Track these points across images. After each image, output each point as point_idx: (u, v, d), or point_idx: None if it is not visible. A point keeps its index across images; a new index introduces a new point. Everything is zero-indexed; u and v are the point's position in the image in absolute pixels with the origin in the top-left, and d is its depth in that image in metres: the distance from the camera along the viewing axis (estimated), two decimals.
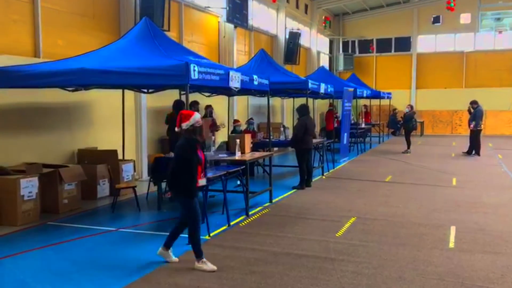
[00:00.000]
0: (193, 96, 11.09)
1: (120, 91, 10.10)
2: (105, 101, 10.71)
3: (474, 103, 16.70)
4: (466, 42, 27.99)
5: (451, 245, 6.48)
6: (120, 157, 10.14)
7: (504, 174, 12.80)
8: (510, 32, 23.19)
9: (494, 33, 23.18)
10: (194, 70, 6.31)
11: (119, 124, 10.44)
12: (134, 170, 10.54)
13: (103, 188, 9.78)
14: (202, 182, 5.71)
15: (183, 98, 8.77)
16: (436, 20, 28.12)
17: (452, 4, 22.12)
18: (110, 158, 9.74)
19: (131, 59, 6.93)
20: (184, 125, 5.42)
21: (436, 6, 27.55)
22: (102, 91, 9.80)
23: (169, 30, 11.94)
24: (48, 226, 7.67)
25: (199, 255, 5.48)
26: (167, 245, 5.71)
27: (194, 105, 10.65)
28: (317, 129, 22.66)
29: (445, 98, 27.94)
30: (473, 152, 16.73)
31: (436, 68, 28.60)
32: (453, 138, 24.37)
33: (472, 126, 16.44)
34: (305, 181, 10.78)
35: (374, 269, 5.49)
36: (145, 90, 10.18)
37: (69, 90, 8.82)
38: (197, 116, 5.48)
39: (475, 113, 16.48)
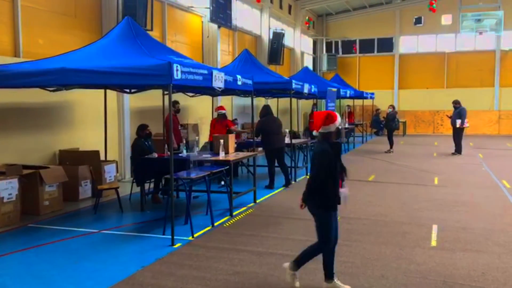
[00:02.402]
0: (176, 96, 11.04)
1: (102, 91, 9.99)
2: (87, 101, 10.59)
3: (456, 102, 16.91)
4: (447, 43, 28.39)
5: (433, 243, 6.55)
6: (102, 158, 10.04)
7: (485, 173, 12.99)
8: (490, 33, 23.55)
9: (475, 34, 23.50)
10: (177, 70, 6.27)
11: (101, 124, 10.33)
12: (117, 171, 10.44)
13: (85, 190, 9.66)
14: (344, 192, 4.93)
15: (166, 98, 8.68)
16: (418, 21, 28.47)
17: (435, 5, 22.40)
18: (92, 159, 9.64)
19: (113, 59, 6.85)
20: (327, 128, 4.74)
21: (418, 7, 27.89)
22: (84, 91, 9.69)
23: (152, 30, 11.86)
24: (29, 228, 7.54)
25: (297, 265, 4.90)
26: (330, 275, 4.91)
27: (174, 105, 10.61)
28: (301, 129, 22.76)
29: (427, 98, 28.31)
30: (454, 150, 16.94)
31: (418, 68, 28.94)
32: (435, 138, 24.67)
33: (458, 124, 16.61)
34: (273, 181, 10.87)
35: (357, 268, 5.52)
36: (128, 90, 10.09)
37: (49, 90, 8.69)
38: (339, 118, 4.86)
39: (460, 112, 16.68)
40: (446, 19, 27.56)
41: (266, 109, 11.13)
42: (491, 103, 27.47)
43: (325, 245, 4.79)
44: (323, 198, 4.75)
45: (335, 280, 4.89)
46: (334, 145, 4.81)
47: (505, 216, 8.07)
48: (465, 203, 9.14)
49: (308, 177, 4.88)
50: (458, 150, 16.88)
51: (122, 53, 7.08)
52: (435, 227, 7.30)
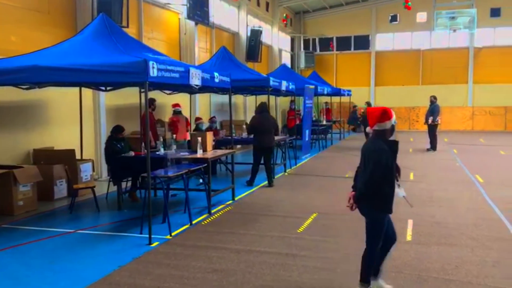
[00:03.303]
0: (153, 94, 10.95)
1: (77, 89, 9.84)
2: (61, 100, 10.41)
3: (434, 97, 17.18)
4: (422, 41, 28.85)
5: (409, 238, 6.66)
6: (78, 157, 9.89)
7: (459, 168, 13.26)
8: (464, 31, 24.01)
9: (449, 31, 23.92)
10: (153, 67, 6.21)
11: (76, 123, 10.18)
12: (93, 170, 10.30)
13: (61, 189, 9.52)
14: (401, 192, 4.76)
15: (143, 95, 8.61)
16: (394, 19, 28.89)
17: (410, 3, 22.71)
18: (67, 158, 9.50)
19: (87, 56, 6.76)
20: (383, 125, 4.51)
21: (393, 5, 28.26)
22: (59, 89, 9.52)
23: (127, 27, 11.71)
24: (3, 229, 7.39)
25: (366, 280, 4.65)
26: (375, 274, 4.77)
27: (152, 103, 10.56)
28: (279, 126, 22.82)
29: (403, 95, 28.74)
30: (429, 146, 17.24)
31: (394, 65, 29.34)
32: (411, 134, 25.05)
33: (430, 121, 16.92)
34: (253, 179, 10.85)
35: (334, 264, 5.59)
36: (103, 88, 9.95)
37: (23, 88, 8.51)
38: (394, 115, 4.62)
39: (433, 109, 16.98)
40: (421, 17, 28.03)
41: (261, 107, 11.06)
42: (465, 100, 28.06)
43: (376, 246, 4.59)
44: (379, 200, 4.49)
45: (379, 279, 4.76)
46: (392, 143, 4.53)
47: (478, 210, 8.26)
48: (439, 198, 9.32)
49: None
50: (432, 146, 17.18)
51: (96, 51, 6.98)
52: (410, 222, 7.42)
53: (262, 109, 11.02)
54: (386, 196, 4.49)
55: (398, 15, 28.57)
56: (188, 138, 10.73)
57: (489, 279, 5.09)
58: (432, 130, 17.15)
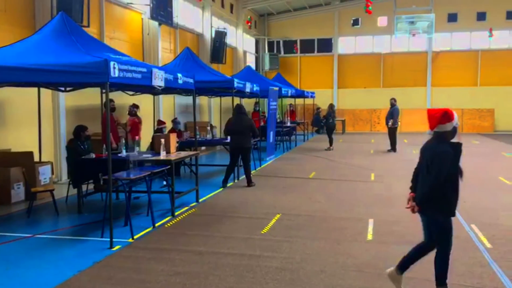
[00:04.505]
0: (114, 95, 10.78)
1: (36, 89, 9.55)
2: (19, 100, 10.09)
3: (394, 100, 17.61)
4: (383, 44, 29.57)
5: (370, 237, 6.81)
6: (36, 159, 9.61)
7: None
8: (422, 35, 24.76)
9: (409, 35, 24.62)
10: (114, 68, 6.11)
11: (35, 124, 9.87)
12: (52, 173, 10.03)
13: (18, 192, 9.23)
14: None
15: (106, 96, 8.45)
16: (356, 22, 29.53)
17: (371, 8, 23.22)
18: (25, 160, 9.22)
19: (46, 56, 6.57)
20: (444, 127, 4.42)
21: (355, 9, 28.85)
22: (16, 89, 9.18)
23: (88, 26, 11.47)
24: None
25: (441, 282, 4.64)
26: (402, 268, 4.80)
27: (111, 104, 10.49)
28: None
29: (364, 97, 29.37)
30: (390, 148, 17.65)
31: (356, 68, 29.93)
32: (372, 136, 25.59)
33: (390, 123, 17.33)
34: (226, 179, 10.90)
35: (297, 264, 5.64)
36: (63, 89, 9.69)
37: None
38: (457, 117, 4.52)
39: (393, 111, 17.41)
40: (381, 21, 28.78)
41: (237, 108, 11.17)
42: (424, 102, 28.93)
43: (448, 249, 4.58)
44: (443, 203, 4.45)
45: (403, 275, 4.79)
46: (456, 145, 4.44)
47: None
48: (399, 197, 9.54)
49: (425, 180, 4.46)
50: (393, 147, 17.60)
51: (55, 50, 6.80)
52: (371, 221, 7.59)
53: (239, 111, 11.11)
54: (450, 199, 4.46)
55: (360, 19, 29.24)
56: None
57: None
58: (392, 132, 17.58)
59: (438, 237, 4.57)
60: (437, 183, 4.34)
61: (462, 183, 4.54)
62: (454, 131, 4.46)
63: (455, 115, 4.46)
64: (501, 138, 23.41)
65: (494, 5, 27.71)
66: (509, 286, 4.96)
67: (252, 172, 12.80)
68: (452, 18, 28.40)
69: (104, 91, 8.81)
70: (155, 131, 11.91)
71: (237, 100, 17.48)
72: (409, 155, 16.86)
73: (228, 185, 11.05)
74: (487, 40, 27.97)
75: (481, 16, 28.07)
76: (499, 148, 18.89)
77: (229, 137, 11.61)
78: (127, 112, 12.05)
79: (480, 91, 28.29)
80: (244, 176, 11.12)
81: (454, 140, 4.50)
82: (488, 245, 6.32)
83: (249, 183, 10.92)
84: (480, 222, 7.40)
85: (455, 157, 4.39)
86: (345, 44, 30.34)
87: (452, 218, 4.59)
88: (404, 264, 4.77)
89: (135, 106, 11.93)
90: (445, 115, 4.40)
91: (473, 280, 5.13)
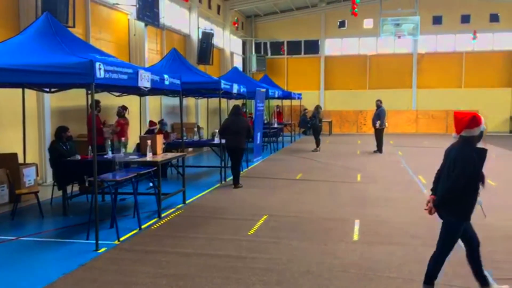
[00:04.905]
0: (101, 96, 10.71)
1: (20, 90, 9.43)
2: (2, 101, 9.96)
3: (380, 101, 17.74)
4: (369, 46, 29.80)
5: (355, 237, 6.85)
6: (21, 160, 9.49)
7: (404, 169, 13.77)
8: (408, 37, 25.03)
9: (394, 37, 24.87)
10: (99, 69, 6.07)
11: (19, 125, 9.75)
12: (37, 175, 9.92)
13: (2, 195, 9.08)
14: (480, 201, 4.58)
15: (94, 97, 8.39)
16: (342, 24, 29.74)
17: (357, 10, 23.40)
18: (9, 162, 9.09)
19: (30, 56, 6.50)
20: (471, 131, 4.41)
21: (341, 11, 29.05)
22: None
23: (73, 27, 11.37)
24: None
25: (429, 281, 4.67)
26: (481, 279, 4.68)
27: (97, 105, 10.43)
28: None
29: (350, 98, 29.57)
30: (376, 149, 17.78)
31: (342, 70, 30.12)
32: (358, 137, 25.76)
33: (378, 125, 17.46)
34: (237, 178, 11.01)
35: (283, 265, 5.65)
36: (47, 89, 9.61)
37: None
38: (484, 121, 4.49)
39: (379, 113, 17.53)
40: (367, 23, 29.04)
41: (234, 109, 11.33)
42: (409, 104, 29.22)
43: (447, 251, 4.56)
44: (460, 207, 4.43)
45: (492, 283, 4.68)
46: (481, 151, 4.41)
47: (421, 210, 8.46)
48: (384, 198, 9.64)
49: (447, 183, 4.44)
50: (379, 148, 17.74)
51: (40, 51, 6.73)
52: (357, 222, 7.63)
53: (235, 112, 11.26)
54: (467, 204, 4.45)
55: (346, 21, 29.45)
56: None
57: None
58: (379, 134, 17.71)
59: (443, 237, 4.56)
60: (456, 186, 4.35)
61: (482, 189, 4.55)
62: (480, 135, 4.45)
63: (483, 120, 4.45)
64: (485, 139, 23.67)
65: (478, 8, 28.11)
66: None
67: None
68: (437, 20, 28.74)
69: (89, 92, 8.75)
70: (146, 132, 11.92)
71: (224, 102, 17.48)
72: (395, 156, 17.02)
73: (216, 186, 11.05)
74: (471, 42, 28.36)
75: (465, 19, 28.45)
76: None
77: (217, 138, 11.65)
78: (116, 113, 12.00)
79: (464, 93, 28.66)
80: (232, 177, 11.14)
81: (480, 145, 4.51)
82: None
83: (237, 184, 10.93)
84: None
85: (479, 162, 4.39)
86: (332, 46, 30.52)
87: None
88: (479, 275, 4.68)
89: (124, 108, 11.89)
90: (473, 120, 4.38)
91: (457, 280, 5.19)
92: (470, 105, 28.02)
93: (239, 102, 21.58)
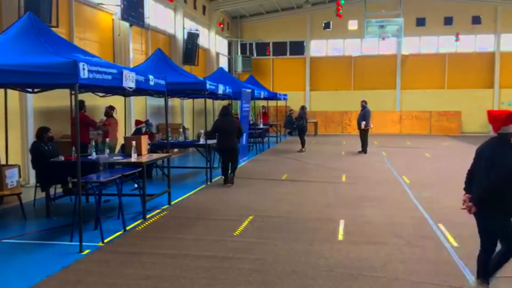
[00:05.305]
0: (83, 96, 10.61)
1: (2, 90, 9.30)
2: None
3: (365, 102, 17.87)
4: (354, 47, 30.03)
5: (341, 237, 6.90)
6: (3, 161, 9.34)
7: (388, 169, 13.90)
8: (392, 39, 25.28)
9: (378, 39, 25.10)
10: (83, 69, 6.02)
11: (1, 126, 9.61)
12: (20, 176, 9.76)
13: None
14: None
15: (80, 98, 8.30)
16: (327, 26, 29.94)
17: (341, 11, 23.55)
18: None
19: (12, 56, 6.40)
20: (507, 128, 4.51)
21: (326, 13, 29.21)
22: None
23: (57, 27, 11.23)
24: None
25: (485, 275, 4.66)
26: (486, 276, 4.69)
27: (83, 106, 10.38)
28: None
29: (336, 99, 29.76)
30: (361, 149, 17.91)
31: (327, 71, 30.30)
32: (343, 137, 25.92)
33: (363, 126, 17.58)
34: (225, 176, 11.24)
35: (269, 265, 5.67)
36: (30, 90, 9.48)
37: None
38: None
39: (364, 114, 17.66)
40: (352, 25, 29.27)
41: (224, 110, 11.66)
42: (393, 104, 29.52)
43: (491, 249, 4.59)
44: (501, 204, 4.45)
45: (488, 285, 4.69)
46: None
47: (405, 210, 8.70)
48: (369, 198, 9.72)
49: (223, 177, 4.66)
50: (364, 149, 17.87)
51: (22, 50, 6.64)
52: (342, 222, 7.68)
53: (225, 112, 11.58)
54: (508, 200, 4.47)
55: (331, 22, 29.64)
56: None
57: (413, 275, 5.38)
58: (364, 134, 17.84)
59: (502, 236, 4.56)
60: (497, 183, 4.40)
61: None
62: None
63: None
64: (467, 139, 24.07)
65: (460, 10, 28.52)
66: (474, 283, 5.10)
67: None
68: (421, 22, 29.08)
69: (73, 92, 8.67)
70: (134, 132, 11.88)
71: (209, 102, 17.43)
72: (379, 156, 17.17)
73: (202, 186, 11.03)
74: (453, 44, 28.75)
75: (448, 21, 28.83)
76: (466, 150, 19.40)
77: (202, 139, 11.66)
78: (104, 114, 11.94)
79: (447, 94, 29.05)
80: (218, 177, 11.14)
81: None
82: (455, 244, 6.49)
83: (232, 181, 11.19)
84: (447, 222, 7.59)
85: None
86: (317, 47, 30.67)
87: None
88: (490, 273, 4.70)
89: (111, 108, 11.83)
90: (510, 116, 4.50)
91: (440, 278, 5.27)
92: (453, 105, 28.47)
93: (224, 102, 21.60)
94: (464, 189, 4.85)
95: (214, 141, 12.02)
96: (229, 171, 11.30)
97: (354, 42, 29.82)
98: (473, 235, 6.83)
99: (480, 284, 4.71)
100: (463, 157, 16.96)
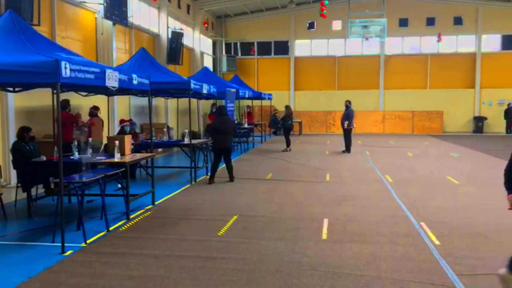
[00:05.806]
0: (67, 95, 10.50)
1: None
2: None
3: (348, 102, 18.00)
4: (337, 48, 30.21)
5: (324, 236, 6.94)
6: None
7: (371, 169, 14.02)
8: (375, 39, 25.50)
9: (362, 39, 25.30)
10: (65, 68, 5.95)
11: None
12: (1, 176, 9.62)
13: None
14: None
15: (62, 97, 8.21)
16: (311, 26, 30.07)
17: (325, 11, 23.67)
18: None
19: None
20: None
21: (311, 13, 29.34)
22: None
23: (39, 25, 11.11)
24: None
25: None
26: None
27: (67, 105, 10.26)
28: (201, 128, 22.75)
29: (320, 99, 29.92)
30: (344, 149, 18.03)
31: (312, 71, 30.44)
32: (327, 137, 26.07)
33: (346, 125, 17.71)
34: (211, 175, 11.49)
35: (253, 265, 5.68)
36: (11, 89, 9.33)
37: None
38: None
39: (348, 113, 17.79)
40: (336, 25, 29.42)
41: (220, 110, 12.13)
42: (377, 104, 29.79)
43: None
44: None
45: None
46: None
47: (388, 208, 8.79)
48: (353, 197, 9.80)
49: (207, 177, 4.59)
50: (347, 148, 18.00)
51: (3, 49, 6.52)
52: (326, 221, 7.73)
53: (221, 113, 11.93)
54: None
55: (315, 22, 29.78)
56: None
57: (396, 273, 5.44)
58: (348, 134, 17.97)
59: None
60: None
61: None
62: None
63: None
64: (449, 139, 24.42)
65: (442, 11, 28.89)
66: (455, 281, 5.19)
67: (209, 173, 12.80)
68: (403, 23, 29.39)
69: (55, 91, 8.57)
70: (119, 132, 11.80)
71: (194, 102, 17.40)
72: (363, 156, 17.31)
73: (186, 186, 10.99)
74: (436, 44, 29.12)
75: (431, 22, 29.18)
76: (447, 149, 19.69)
77: (186, 139, 11.66)
78: (88, 114, 11.86)
79: (429, 94, 29.41)
80: (203, 177, 11.12)
81: None
82: (437, 242, 6.58)
83: (233, 179, 11.63)
84: (429, 220, 7.69)
85: None
86: (301, 47, 30.78)
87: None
88: None
89: (95, 108, 11.75)
90: None
91: (422, 276, 5.34)
92: (435, 105, 28.83)
93: (209, 102, 21.56)
94: (506, 189, 4.82)
95: (199, 140, 12.03)
96: (228, 173, 11.66)
97: (338, 43, 30.01)
98: (454, 233, 6.97)
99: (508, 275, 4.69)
100: (444, 156, 17.24)
